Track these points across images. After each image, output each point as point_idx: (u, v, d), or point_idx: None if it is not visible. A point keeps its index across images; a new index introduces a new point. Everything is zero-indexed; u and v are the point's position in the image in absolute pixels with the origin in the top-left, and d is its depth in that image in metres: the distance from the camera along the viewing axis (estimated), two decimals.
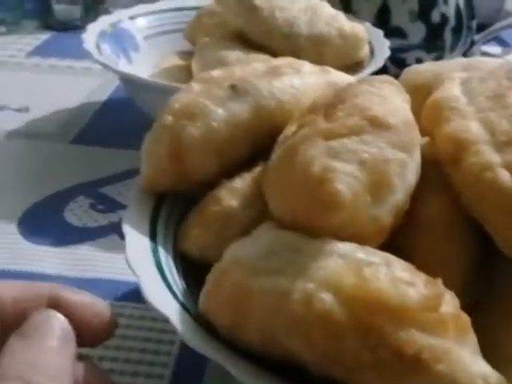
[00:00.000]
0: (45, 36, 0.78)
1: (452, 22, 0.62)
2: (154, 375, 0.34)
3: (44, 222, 0.46)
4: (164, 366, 0.34)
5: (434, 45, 0.62)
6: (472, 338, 0.22)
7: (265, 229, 0.25)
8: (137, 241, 0.30)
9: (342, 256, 0.22)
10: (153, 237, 0.31)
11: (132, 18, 0.59)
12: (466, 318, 0.22)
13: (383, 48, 0.52)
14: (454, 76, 0.30)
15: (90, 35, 0.53)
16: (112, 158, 0.53)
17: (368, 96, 0.27)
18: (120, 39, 0.56)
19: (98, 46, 0.52)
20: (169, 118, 0.31)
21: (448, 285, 0.24)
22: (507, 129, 0.25)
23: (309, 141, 0.25)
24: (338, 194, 0.23)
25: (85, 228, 0.45)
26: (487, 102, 0.27)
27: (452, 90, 0.28)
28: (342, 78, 0.36)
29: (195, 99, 0.32)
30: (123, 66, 0.54)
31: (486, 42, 0.71)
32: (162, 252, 0.30)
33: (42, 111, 0.60)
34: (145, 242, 0.30)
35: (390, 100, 0.27)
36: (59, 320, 0.24)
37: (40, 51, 0.74)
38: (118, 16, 0.58)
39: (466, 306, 0.25)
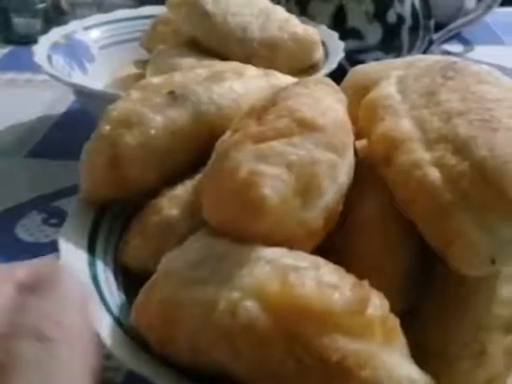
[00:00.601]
0: (4, 50, 0.78)
1: (408, 21, 0.62)
2: None
3: None
4: None
5: (391, 45, 0.62)
6: (400, 341, 0.22)
7: (197, 237, 0.25)
8: (73, 254, 0.29)
9: (268, 262, 0.22)
10: (91, 249, 0.30)
11: (86, 28, 0.58)
12: (393, 321, 0.22)
13: (338, 50, 0.52)
14: (391, 75, 0.30)
15: (42, 47, 0.52)
16: (67, 170, 0.52)
17: (299, 98, 0.27)
18: (74, 50, 0.56)
19: (49, 58, 0.51)
20: (106, 128, 0.31)
21: (382, 287, 0.24)
22: (437, 126, 0.25)
23: (239, 145, 0.25)
24: (264, 198, 0.23)
25: (37, 243, 0.44)
26: (420, 100, 0.27)
27: (387, 89, 0.28)
28: (287, 81, 0.35)
29: (133, 107, 0.32)
30: (78, 78, 0.54)
31: (447, 40, 0.72)
32: (99, 265, 0.30)
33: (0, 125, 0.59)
34: (81, 254, 0.29)
35: (322, 101, 0.27)
36: (75, 278, 0.22)
37: None
38: (72, 27, 0.57)
39: (403, 309, 0.25)
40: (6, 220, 0.47)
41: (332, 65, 0.50)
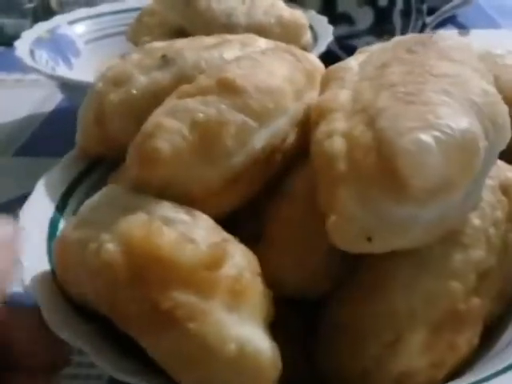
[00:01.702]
0: None
1: (400, 4, 0.61)
2: None
3: None
4: None
5: (383, 29, 0.61)
6: (250, 305, 0.22)
7: (108, 186, 0.26)
8: (38, 206, 0.31)
9: (148, 212, 0.23)
10: (63, 204, 0.32)
11: (71, 22, 0.58)
12: (246, 285, 0.22)
13: (327, 33, 0.52)
14: (366, 49, 0.29)
15: (24, 42, 0.51)
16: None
17: (243, 61, 0.28)
18: (59, 45, 0.56)
19: (32, 53, 0.50)
20: (99, 85, 0.33)
21: (307, 257, 0.25)
22: (367, 97, 0.25)
23: (166, 101, 0.26)
24: (156, 149, 0.24)
25: None
26: (372, 72, 0.27)
27: (350, 61, 0.28)
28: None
29: (125, 67, 0.33)
30: (63, 72, 0.53)
31: (442, 25, 0.70)
32: (62, 221, 0.30)
33: None
34: (47, 208, 0.31)
35: (266, 66, 0.28)
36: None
37: None
38: (56, 21, 0.57)
39: (329, 280, 0.26)
40: None
41: (321, 48, 0.50)
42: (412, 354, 0.24)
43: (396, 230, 0.21)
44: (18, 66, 0.71)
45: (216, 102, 0.25)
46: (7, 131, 0.58)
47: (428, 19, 0.66)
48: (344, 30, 0.60)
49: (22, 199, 0.48)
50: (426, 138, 0.21)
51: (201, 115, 0.25)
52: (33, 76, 0.69)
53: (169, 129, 0.24)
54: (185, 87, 0.27)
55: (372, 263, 0.25)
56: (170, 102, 0.26)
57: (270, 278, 0.24)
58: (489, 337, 0.27)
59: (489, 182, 0.27)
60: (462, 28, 0.77)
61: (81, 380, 0.33)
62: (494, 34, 0.76)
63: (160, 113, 0.26)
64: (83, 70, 0.56)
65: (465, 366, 0.26)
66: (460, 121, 0.22)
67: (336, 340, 0.25)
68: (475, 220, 0.26)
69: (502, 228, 0.26)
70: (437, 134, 0.21)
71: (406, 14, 0.62)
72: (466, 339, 0.25)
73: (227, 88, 0.26)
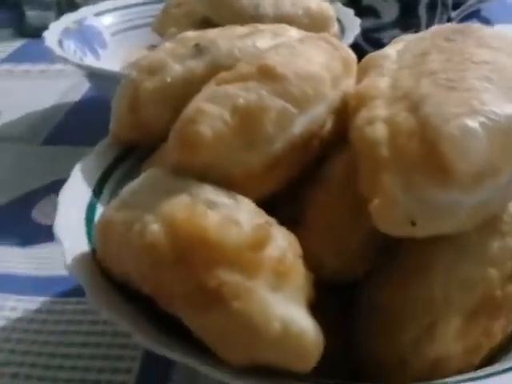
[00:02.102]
0: (18, 43, 0.78)
1: None
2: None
3: (11, 221, 0.44)
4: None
5: (408, 22, 0.61)
6: (293, 286, 0.22)
7: (149, 170, 0.27)
8: (76, 191, 0.31)
9: (191, 195, 0.23)
10: (99, 189, 0.32)
11: (98, 14, 0.58)
12: (290, 266, 0.22)
13: (354, 26, 0.52)
14: (403, 38, 0.29)
15: (53, 32, 0.52)
16: (82, 156, 0.52)
17: (281, 49, 0.28)
18: (86, 36, 0.56)
19: (60, 43, 0.51)
20: (133, 73, 0.34)
21: (344, 241, 0.25)
22: (407, 85, 0.25)
23: (205, 87, 0.27)
24: (198, 133, 0.24)
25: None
26: (411, 60, 0.27)
27: (388, 50, 0.28)
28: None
29: (159, 56, 0.34)
30: (90, 63, 0.53)
31: (466, 19, 0.70)
32: (99, 207, 0.31)
33: (14, 115, 0.61)
34: (85, 193, 0.32)
35: (304, 54, 0.28)
36: None
37: (13, 58, 0.75)
38: (83, 13, 0.58)
39: (366, 264, 0.26)
40: (23, 204, 0.47)
41: (348, 40, 0.50)
42: (447, 339, 0.24)
43: (440, 214, 0.22)
44: (42, 56, 0.72)
45: (256, 87, 0.25)
46: (33, 121, 0.59)
47: (453, 13, 0.65)
48: (369, 22, 0.60)
49: (50, 186, 0.50)
50: (471, 123, 0.21)
51: (241, 100, 0.25)
52: (58, 66, 0.70)
53: (210, 114, 0.25)
54: (223, 74, 0.27)
55: (411, 248, 0.25)
56: (210, 89, 0.27)
57: (308, 262, 0.24)
58: None
59: None
60: (486, 22, 0.77)
61: (116, 348, 0.33)
62: None
63: (200, 99, 0.26)
64: (110, 61, 0.56)
65: (500, 352, 0.26)
66: (504, 107, 0.22)
67: (373, 323, 0.25)
68: None
69: None
70: (482, 119, 0.21)
71: (431, 7, 0.62)
72: (501, 326, 0.25)
73: (267, 74, 0.26)
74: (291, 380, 0.21)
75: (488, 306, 0.25)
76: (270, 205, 0.26)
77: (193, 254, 0.21)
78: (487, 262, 0.25)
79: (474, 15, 0.76)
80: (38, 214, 0.46)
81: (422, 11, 0.61)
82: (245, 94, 0.25)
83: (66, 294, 0.38)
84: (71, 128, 0.58)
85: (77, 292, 0.38)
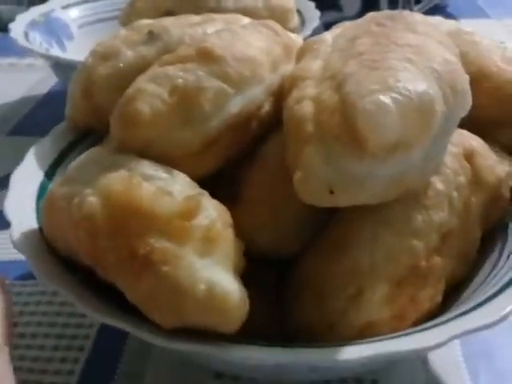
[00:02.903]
0: None
1: None
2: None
3: None
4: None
5: None
6: (221, 252, 0.23)
7: (93, 148, 0.28)
8: (28, 173, 0.33)
9: (129, 169, 0.25)
10: (49, 177, 0.34)
11: (65, 7, 0.59)
12: (218, 233, 0.24)
13: (314, 18, 0.53)
14: (342, 24, 0.31)
15: (19, 25, 0.53)
16: None
17: (223, 33, 0.30)
18: (52, 28, 0.57)
19: (26, 35, 0.52)
20: (89, 59, 0.36)
21: (278, 217, 0.27)
22: (336, 66, 0.27)
23: (149, 69, 0.28)
24: (137, 111, 0.26)
25: None
26: (344, 44, 0.29)
27: (325, 35, 0.29)
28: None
29: (114, 42, 0.36)
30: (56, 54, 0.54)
31: (431, 14, 0.72)
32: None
33: None
34: (37, 176, 0.33)
35: (245, 38, 0.30)
36: None
37: None
38: (51, 6, 0.59)
39: (299, 239, 0.28)
40: None
41: (307, 31, 0.51)
42: (374, 306, 0.26)
43: (356, 184, 0.23)
44: (12, 50, 0.73)
45: (195, 69, 0.27)
46: (2, 111, 0.60)
47: (416, 7, 0.67)
48: (332, 16, 0.62)
49: (8, 178, 0.50)
50: (384, 98, 0.23)
51: (180, 80, 0.26)
52: (28, 60, 0.71)
53: (149, 93, 0.26)
54: (166, 57, 0.29)
55: (338, 222, 0.27)
56: (152, 70, 0.28)
57: (245, 236, 0.25)
58: (451, 297, 0.29)
59: (452, 149, 0.28)
60: (452, 18, 0.78)
61: (72, 328, 0.35)
62: (482, 24, 0.78)
63: (142, 79, 0.28)
64: (76, 54, 0.57)
65: (429, 321, 0.28)
66: (418, 84, 0.24)
67: (303, 295, 0.27)
68: (438, 184, 0.28)
69: (465, 192, 0.28)
70: (395, 95, 0.23)
71: (393, 1, 0.64)
72: (428, 295, 0.27)
73: (206, 56, 0.27)
74: (224, 339, 0.23)
75: (413, 275, 0.26)
76: (209, 184, 0.27)
77: (126, 223, 0.23)
78: (411, 234, 0.26)
79: (439, 11, 0.78)
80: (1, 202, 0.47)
81: (384, 5, 0.63)
82: (183, 74, 0.27)
83: (24, 277, 0.39)
84: (38, 120, 0.59)
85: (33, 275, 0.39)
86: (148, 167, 0.25)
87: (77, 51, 0.58)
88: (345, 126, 0.23)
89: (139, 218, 0.23)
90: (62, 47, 0.57)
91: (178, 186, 0.24)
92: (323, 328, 0.26)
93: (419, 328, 0.25)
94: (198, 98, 0.26)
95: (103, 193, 0.24)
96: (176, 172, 0.25)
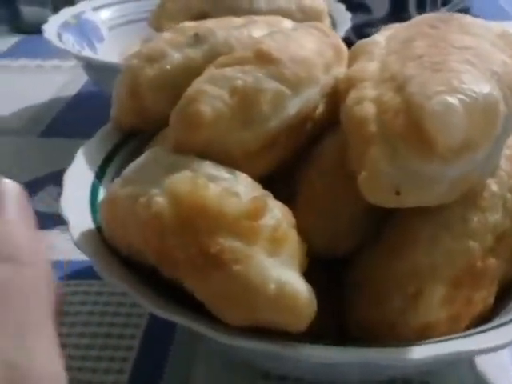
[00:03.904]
0: (15, 39, 0.80)
1: None
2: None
3: None
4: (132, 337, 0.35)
5: (398, 18, 0.62)
6: (288, 252, 0.24)
7: (151, 149, 0.29)
8: (80, 174, 0.33)
9: (193, 170, 0.25)
10: (101, 172, 0.34)
11: (95, 9, 0.60)
12: (284, 233, 0.24)
13: (345, 20, 0.54)
14: (391, 26, 0.31)
15: (52, 26, 0.54)
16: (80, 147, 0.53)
17: (277, 35, 0.30)
18: (84, 30, 0.58)
19: (59, 36, 0.53)
20: (134, 61, 0.36)
21: (334, 218, 0.27)
22: (394, 68, 0.27)
23: (205, 71, 0.29)
24: (199, 112, 0.26)
25: (54, 214, 0.46)
26: (398, 46, 0.29)
27: (377, 37, 0.30)
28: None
29: (159, 45, 0.36)
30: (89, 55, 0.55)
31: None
32: (102, 189, 0.33)
33: (11, 108, 0.62)
34: (88, 177, 0.33)
35: (298, 40, 0.30)
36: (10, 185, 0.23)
37: (10, 53, 0.77)
38: (81, 7, 0.59)
39: (355, 239, 0.28)
40: None
41: (339, 34, 0.51)
42: (432, 306, 0.26)
43: (423, 185, 0.23)
44: (39, 52, 0.74)
45: (253, 70, 0.27)
46: (31, 114, 0.60)
47: (442, 9, 0.68)
48: (361, 18, 0.62)
49: (47, 177, 0.51)
50: (451, 99, 0.23)
51: (239, 82, 0.27)
52: (54, 62, 0.71)
53: (210, 94, 0.27)
54: (222, 58, 0.29)
55: (396, 223, 0.27)
56: (210, 72, 0.28)
57: (303, 236, 0.26)
58: (503, 299, 0.29)
59: (506, 151, 0.29)
60: None
61: (122, 317, 0.35)
62: (507, 25, 0.78)
63: (201, 80, 0.28)
64: (107, 55, 0.58)
65: (481, 323, 0.28)
66: (483, 86, 0.24)
67: (362, 294, 0.27)
68: (493, 186, 0.28)
69: None
70: (462, 96, 0.23)
71: (421, 3, 0.64)
72: (482, 296, 0.27)
73: (263, 58, 0.28)
74: (287, 339, 0.23)
75: (470, 276, 0.27)
76: (267, 185, 0.28)
77: (195, 222, 0.23)
78: (469, 235, 0.26)
79: (464, 13, 0.78)
80: (38, 204, 0.48)
81: (412, 8, 0.63)
82: (242, 76, 0.27)
83: (67, 278, 0.40)
84: (68, 121, 0.59)
85: (76, 275, 0.40)
86: (211, 168, 0.25)
87: (107, 53, 0.59)
88: (411, 127, 0.23)
89: (208, 217, 0.23)
90: (93, 49, 0.58)
91: (243, 187, 0.24)
92: (383, 328, 0.26)
93: (478, 330, 0.25)
94: (257, 99, 0.27)
95: (170, 193, 0.24)
96: (238, 173, 0.26)
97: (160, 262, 0.24)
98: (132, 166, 0.27)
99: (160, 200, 0.24)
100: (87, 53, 0.57)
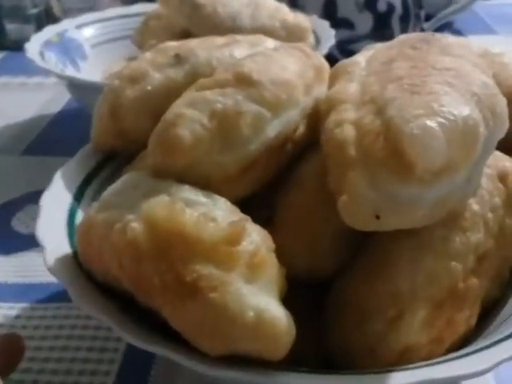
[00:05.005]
0: None
1: (399, 10, 0.63)
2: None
3: None
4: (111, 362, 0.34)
5: (382, 34, 0.63)
6: (266, 278, 0.23)
7: (130, 172, 0.28)
8: (57, 198, 0.33)
9: (170, 194, 0.25)
10: (79, 194, 0.34)
11: (78, 26, 0.59)
12: (264, 259, 0.23)
13: (329, 37, 0.54)
14: (372, 47, 0.31)
15: (34, 44, 0.53)
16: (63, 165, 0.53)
17: (257, 57, 0.30)
18: (67, 48, 0.58)
19: (42, 55, 0.52)
20: (115, 82, 0.36)
21: (315, 240, 0.27)
22: (374, 89, 0.27)
23: (185, 93, 0.28)
24: (178, 137, 0.26)
25: (32, 235, 0.45)
26: (379, 67, 0.29)
27: (358, 57, 0.29)
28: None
29: (140, 65, 0.36)
30: (71, 74, 0.55)
31: (439, 31, 0.72)
32: (80, 211, 0.33)
33: None
34: (64, 201, 0.33)
35: (278, 61, 0.30)
36: None
37: None
38: (65, 25, 0.59)
39: (331, 267, 0.28)
40: (2, 213, 0.48)
41: (323, 51, 0.52)
42: (414, 329, 0.25)
43: (403, 208, 0.23)
44: (22, 69, 0.73)
45: (233, 93, 0.27)
46: (14, 132, 0.60)
47: (425, 25, 0.68)
48: (344, 34, 0.62)
49: (27, 196, 0.50)
50: (430, 123, 0.23)
51: (219, 105, 0.27)
52: (37, 79, 0.71)
53: (189, 117, 0.26)
54: (202, 81, 0.29)
55: (377, 245, 0.27)
56: (189, 95, 0.28)
57: (281, 261, 0.25)
58: (485, 320, 0.29)
59: (487, 170, 0.29)
60: (459, 34, 0.79)
61: (96, 352, 0.35)
62: (490, 41, 0.79)
63: (180, 104, 0.27)
64: (90, 73, 0.58)
65: (463, 344, 0.28)
66: (462, 108, 0.24)
67: (343, 317, 0.27)
68: (474, 205, 0.28)
69: (500, 213, 0.28)
70: (441, 120, 0.23)
71: (404, 19, 0.64)
72: (464, 318, 0.27)
73: (244, 81, 0.27)
74: (267, 367, 0.23)
75: (452, 297, 0.26)
76: (246, 207, 0.27)
77: (171, 248, 0.23)
78: (450, 256, 0.26)
79: (447, 27, 0.79)
80: (17, 224, 0.47)
81: (396, 23, 0.64)
82: (222, 99, 0.27)
83: (45, 300, 0.39)
84: (51, 139, 0.59)
85: (55, 298, 0.39)
86: (189, 192, 0.25)
87: (90, 71, 0.59)
88: (390, 151, 0.23)
89: (184, 243, 0.23)
90: (76, 67, 0.58)
91: (221, 212, 0.24)
92: (363, 351, 0.26)
93: (462, 353, 0.25)
94: (237, 122, 0.26)
95: (146, 218, 0.24)
96: (217, 197, 0.25)
97: (135, 289, 0.24)
98: (109, 190, 0.27)
99: (136, 226, 0.23)
100: (70, 71, 0.57)
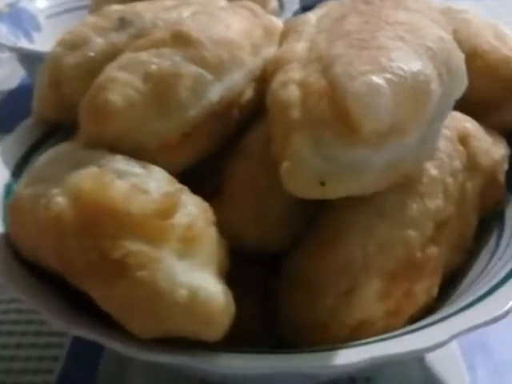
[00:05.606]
0: None
1: None
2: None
3: None
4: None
5: None
6: (203, 252, 0.22)
7: (59, 144, 0.26)
8: None
9: (100, 165, 0.23)
10: (16, 176, 0.31)
11: None
12: (199, 232, 0.22)
13: (293, 2, 0.51)
14: (326, 4, 0.29)
15: None
16: None
17: (200, 15, 0.28)
18: (19, 19, 0.55)
19: None
20: (56, 49, 0.33)
21: (265, 211, 0.25)
22: (322, 47, 0.25)
23: (120, 55, 0.26)
24: (108, 102, 0.24)
25: None
26: (329, 24, 0.27)
27: (309, 15, 0.28)
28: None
29: (82, 30, 0.33)
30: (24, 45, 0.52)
31: None
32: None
33: None
34: (1, 177, 0.30)
35: (224, 20, 0.27)
36: None
37: None
38: None
39: (284, 239, 0.26)
40: None
41: (287, 15, 0.49)
42: (367, 302, 0.24)
43: (349, 173, 0.21)
44: None
45: (170, 54, 0.25)
46: None
47: None
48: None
49: None
50: (377, 79, 0.21)
51: (154, 67, 0.24)
52: None
53: (121, 81, 0.24)
54: (138, 42, 0.27)
55: (329, 215, 0.25)
56: (123, 56, 0.26)
57: (230, 232, 0.24)
58: (448, 289, 0.28)
59: (446, 132, 0.27)
60: None
61: (45, 336, 0.33)
62: (462, 4, 0.76)
63: (113, 67, 0.25)
64: (44, 45, 0.55)
65: (426, 315, 0.26)
66: (412, 64, 0.22)
67: (294, 294, 0.25)
68: (432, 170, 0.26)
69: (460, 178, 0.27)
70: (389, 76, 0.21)
71: None
72: (424, 288, 0.25)
73: (182, 40, 0.25)
74: (202, 350, 0.21)
75: (408, 268, 0.25)
76: (192, 179, 0.25)
77: (98, 224, 0.21)
78: (406, 224, 0.24)
79: None
80: None
81: None
82: (158, 60, 0.25)
83: None
84: (6, 116, 0.56)
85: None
86: (121, 162, 0.23)
87: (45, 43, 0.56)
88: (335, 112, 0.21)
89: (112, 218, 0.21)
90: (30, 39, 0.55)
91: (155, 182, 0.22)
92: (315, 328, 0.24)
93: (418, 326, 0.23)
94: (174, 85, 0.24)
95: (72, 192, 0.22)
96: (152, 166, 0.23)
97: (62, 269, 0.22)
98: (37, 162, 0.25)
99: (60, 200, 0.21)
100: (23, 43, 0.54)
